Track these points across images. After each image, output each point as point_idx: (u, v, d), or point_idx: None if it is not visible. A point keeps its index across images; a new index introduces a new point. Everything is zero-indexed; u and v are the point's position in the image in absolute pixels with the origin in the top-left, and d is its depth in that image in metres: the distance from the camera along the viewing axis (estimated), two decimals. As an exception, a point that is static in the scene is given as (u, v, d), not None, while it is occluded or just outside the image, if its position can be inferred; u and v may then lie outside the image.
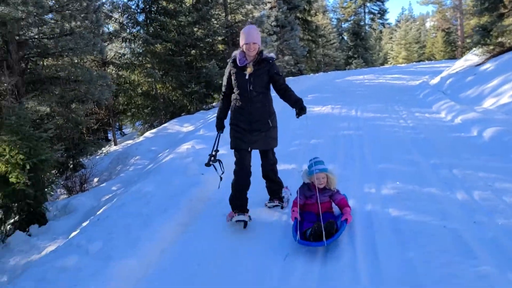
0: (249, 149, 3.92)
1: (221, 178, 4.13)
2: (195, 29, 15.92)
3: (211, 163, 3.91)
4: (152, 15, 15.03)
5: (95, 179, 10.92)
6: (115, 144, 15.52)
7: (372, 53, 38.28)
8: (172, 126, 12.86)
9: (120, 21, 14.74)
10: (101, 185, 9.01)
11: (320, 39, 29.98)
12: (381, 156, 5.59)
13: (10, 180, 7.01)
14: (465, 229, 3.32)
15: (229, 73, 3.90)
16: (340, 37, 39.32)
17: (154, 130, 13.17)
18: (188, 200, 4.33)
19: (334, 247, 3.34)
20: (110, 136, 18.35)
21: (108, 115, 15.39)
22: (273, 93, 3.96)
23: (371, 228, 3.54)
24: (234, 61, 3.85)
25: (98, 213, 5.22)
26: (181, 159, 5.91)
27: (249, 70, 3.73)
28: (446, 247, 3.08)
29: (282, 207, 4.20)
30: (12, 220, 7.77)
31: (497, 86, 8.81)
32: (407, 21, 48.29)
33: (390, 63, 42.20)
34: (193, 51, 16.05)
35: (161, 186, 4.76)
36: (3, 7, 7.54)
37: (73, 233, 4.62)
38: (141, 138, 12.97)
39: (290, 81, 16.08)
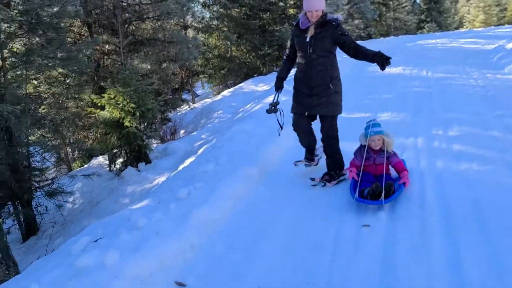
0: (306, 114, 3.85)
1: (281, 127, 4.25)
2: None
3: (271, 110, 3.98)
4: (230, -20, 15.94)
5: (182, 131, 12.41)
6: (193, 103, 17.00)
7: (446, 17, 36.67)
8: (248, 86, 13.99)
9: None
10: (192, 133, 10.40)
11: (391, 2, 29.40)
12: (449, 108, 6.28)
13: (124, 124, 8.49)
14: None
15: (293, 35, 3.87)
16: (413, 0, 37.92)
17: (231, 89, 14.39)
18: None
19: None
20: (184, 96, 19.88)
21: (187, 76, 16.84)
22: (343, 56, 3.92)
23: (437, 167, 4.35)
24: (297, 24, 3.79)
25: (207, 145, 6.47)
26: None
27: (310, 32, 3.64)
28: (505, 182, 3.86)
29: (324, 185, 3.98)
30: (121, 159, 9.39)
31: None
32: (488, -18, 45.13)
33: (466, 27, 40.18)
34: (266, 15, 16.86)
35: (257, 127, 5.84)
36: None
37: (201, 150, 5.89)
38: (219, 97, 14.25)
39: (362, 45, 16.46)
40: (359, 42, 18.75)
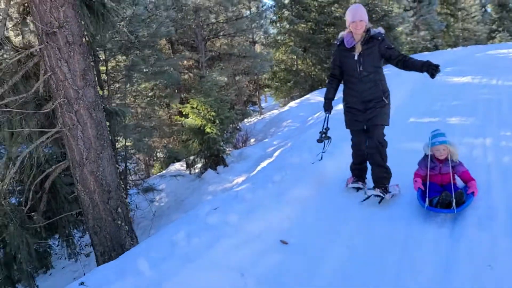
0: (364, 127, 3.90)
1: (321, 157, 4.40)
2: (334, 9, 17.34)
3: (322, 139, 3.99)
4: (296, -2, 16.83)
5: (252, 139, 13.30)
6: (260, 114, 17.94)
7: (520, 26, 35.12)
8: (314, 97, 14.65)
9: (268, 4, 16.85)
10: (264, 140, 11.24)
11: (459, 13, 28.87)
12: (518, 113, 6.56)
13: (206, 130, 9.48)
14: None
15: (337, 55, 3.87)
16: (483, 9, 36.76)
17: (297, 101, 15.13)
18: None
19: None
20: (250, 108, 20.91)
21: (255, 88, 17.84)
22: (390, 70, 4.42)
23: (504, 162, 4.75)
24: (342, 43, 3.80)
25: (284, 147, 7.22)
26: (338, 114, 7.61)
27: (357, 49, 3.68)
28: None
29: (381, 200, 3.92)
30: (201, 163, 10.40)
31: None
32: None
33: (543, 36, 38.11)
34: (331, 29, 17.51)
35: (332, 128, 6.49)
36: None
37: (276, 153, 6.63)
38: (286, 108, 15.03)
39: (426, 56, 16.60)
40: (426, 53, 18.86)
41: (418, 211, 3.69)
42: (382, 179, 3.90)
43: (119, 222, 4.81)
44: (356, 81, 3.78)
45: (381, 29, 3.76)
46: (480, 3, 36.30)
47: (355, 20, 3.62)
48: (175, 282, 2.59)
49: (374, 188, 3.88)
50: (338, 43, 3.86)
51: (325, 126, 4.03)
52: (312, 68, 17.46)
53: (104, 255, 4.75)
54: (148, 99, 10.71)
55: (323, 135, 4.00)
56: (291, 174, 4.35)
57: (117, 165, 8.51)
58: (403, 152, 5.15)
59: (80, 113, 4.52)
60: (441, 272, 2.84)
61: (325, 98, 4.06)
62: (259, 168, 6.99)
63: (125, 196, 8.40)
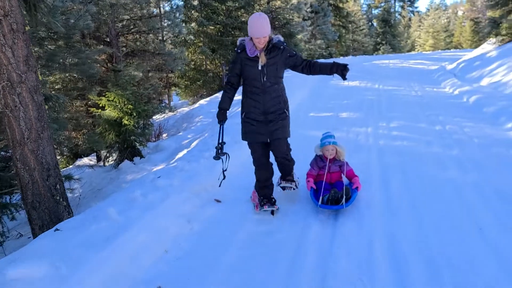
0: (268, 140, 3.75)
1: (224, 176, 3.98)
2: (240, 13, 18.55)
3: (219, 156, 3.72)
4: (205, 0, 17.71)
5: (164, 134, 13.84)
6: (170, 111, 18.44)
7: (400, 40, 40.14)
8: (223, 96, 15.63)
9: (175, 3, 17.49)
10: (178, 134, 11.89)
11: (350, 25, 32.19)
12: (393, 110, 8.22)
13: (123, 122, 9.90)
14: (437, 142, 5.92)
15: (239, 63, 3.64)
16: (370, 23, 41.26)
17: (207, 99, 15.98)
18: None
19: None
20: (161, 104, 21.19)
21: (164, 86, 18.27)
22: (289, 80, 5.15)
23: (380, 144, 6.15)
24: (244, 50, 3.61)
25: (200, 138, 8.02)
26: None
27: (262, 60, 3.53)
28: (426, 151, 5.71)
29: (295, 188, 4.10)
30: (116, 155, 10.77)
31: (493, 69, 11.21)
32: (437, 10, 49.61)
33: (417, 50, 43.93)
34: (238, 33, 18.69)
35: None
36: (115, -5, 10.36)
37: (194, 143, 7.40)
38: (197, 105, 15.80)
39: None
40: (321, 60, 20.98)
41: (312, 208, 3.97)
42: (289, 172, 4.06)
43: (58, 197, 5.23)
44: (260, 92, 3.61)
45: (280, 37, 3.66)
46: (367, 18, 40.69)
47: (258, 37, 3.46)
48: (140, 225, 3.30)
49: (282, 178, 4.08)
50: (239, 51, 3.62)
51: (220, 140, 3.75)
52: (220, 68, 18.44)
53: (43, 228, 5.14)
54: (64, 90, 10.72)
55: (220, 151, 3.70)
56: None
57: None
58: (306, 137, 6.34)
59: (23, 95, 4.89)
60: (321, 265, 3.03)
61: (219, 108, 3.77)
62: (179, 155, 7.72)
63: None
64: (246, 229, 3.67)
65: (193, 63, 18.08)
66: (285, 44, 3.65)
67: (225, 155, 3.82)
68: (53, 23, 6.40)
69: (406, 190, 4.26)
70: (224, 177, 3.96)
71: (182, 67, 12.69)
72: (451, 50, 36.90)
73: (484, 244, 3.11)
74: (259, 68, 3.56)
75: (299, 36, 20.82)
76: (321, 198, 3.79)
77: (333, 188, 3.85)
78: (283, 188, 4.08)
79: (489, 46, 15.81)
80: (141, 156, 10.44)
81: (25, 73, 4.90)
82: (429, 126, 6.79)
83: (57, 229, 3.34)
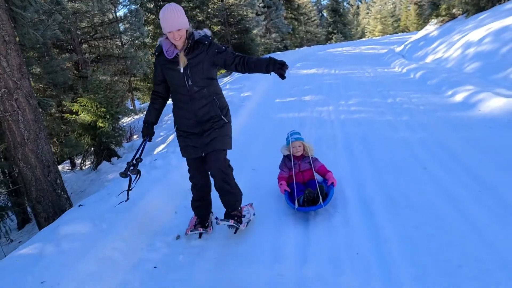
0: (203, 154, 3.21)
1: (127, 198, 3.36)
2: (196, 13, 19.14)
3: (128, 173, 3.12)
4: (160, 3, 18.19)
5: (135, 136, 14.31)
6: (135, 114, 18.81)
7: (350, 28, 41.87)
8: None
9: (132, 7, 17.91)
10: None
11: (302, 17, 33.38)
12: (349, 89, 9.20)
13: (97, 125, 10.38)
14: (389, 112, 6.86)
15: (159, 69, 3.15)
16: (320, 14, 42.76)
17: (169, 102, 16.52)
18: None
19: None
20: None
21: (128, 90, 18.63)
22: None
23: (341, 118, 7.03)
24: (161, 53, 3.08)
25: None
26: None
27: (182, 62, 3.00)
28: (380, 120, 6.63)
29: (237, 230, 3.45)
30: (92, 158, 11.20)
31: (435, 47, 12.45)
32: (383, -4, 51.89)
33: (367, 37, 45.91)
34: (195, 32, 19.28)
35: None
36: (77, 3, 10.78)
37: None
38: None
39: (279, 55, 19.52)
40: (278, 53, 22.01)
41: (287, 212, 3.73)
42: (233, 205, 3.36)
43: (59, 191, 5.79)
44: (187, 99, 3.10)
45: (206, 31, 3.11)
46: (317, 9, 42.13)
47: (171, 31, 2.91)
48: (151, 195, 3.98)
49: (226, 216, 3.35)
50: (156, 53, 3.12)
51: (137, 156, 3.19)
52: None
53: (48, 220, 5.68)
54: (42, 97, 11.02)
55: (132, 167, 3.10)
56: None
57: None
58: (276, 120, 7.17)
59: (20, 100, 5.41)
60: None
61: (144, 121, 3.25)
62: (161, 147, 8.34)
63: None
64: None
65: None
66: (210, 38, 3.05)
67: (137, 174, 3.16)
68: (32, 33, 6.89)
69: (366, 150, 5.14)
70: (127, 198, 3.33)
71: (146, 70, 13.19)
72: (399, 34, 38.95)
73: (429, 179, 3.99)
74: (181, 71, 3.00)
75: (254, 31, 21.61)
76: (296, 201, 3.56)
77: (307, 188, 3.63)
78: (230, 226, 3.43)
79: (431, 27, 17.22)
80: (118, 156, 10.93)
81: (20, 80, 5.43)
82: (382, 100, 7.76)
83: (80, 205, 3.96)
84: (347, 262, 2.86)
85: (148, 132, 3.29)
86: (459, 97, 6.86)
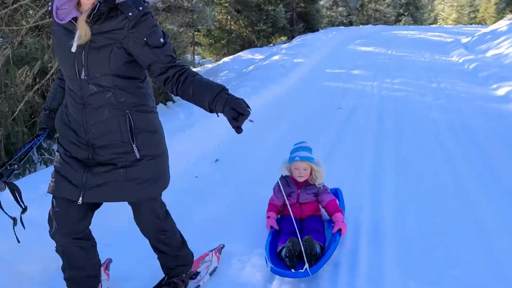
0: (80, 201, 1.83)
1: (14, 221, 1.77)
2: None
3: None
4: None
5: (190, 86, 15.32)
6: (194, 67, 19.84)
7: (423, 12, 40.44)
8: (245, 55, 16.96)
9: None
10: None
11: (373, -6, 32.71)
12: (399, 70, 9.58)
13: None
14: (430, 94, 7.28)
15: (53, 35, 1.86)
16: (394, -6, 41.48)
17: (230, 57, 17.31)
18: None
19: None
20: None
21: (190, 43, 19.61)
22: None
23: (382, 94, 7.51)
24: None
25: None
26: (275, 63, 10.03)
27: (81, 32, 1.65)
28: (418, 99, 7.07)
29: None
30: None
31: (500, 42, 12.35)
32: (464, -17, 49.31)
33: (439, 24, 44.21)
34: (263, -5, 19.76)
35: (271, 70, 8.88)
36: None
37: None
38: (220, 62, 17.16)
39: (341, 30, 19.70)
40: (341, 27, 22.12)
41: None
42: (173, 270, 2.27)
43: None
44: (78, 103, 1.79)
45: None
46: (392, -12, 40.86)
47: None
48: (199, 125, 4.82)
49: (165, 281, 2.29)
50: (49, 7, 1.77)
51: (15, 156, 1.87)
52: (244, 29, 19.66)
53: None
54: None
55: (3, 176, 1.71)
56: (251, 86, 6.70)
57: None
58: (320, 87, 7.82)
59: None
60: None
61: (45, 108, 2.14)
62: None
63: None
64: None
65: (218, 22, 19.28)
66: (145, 10, 1.68)
67: (6, 186, 1.72)
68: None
69: (396, 122, 5.71)
70: (15, 222, 1.78)
71: (211, 25, 13.94)
72: (473, 25, 37.25)
73: (444, 154, 4.53)
74: (73, 49, 1.68)
75: (321, 2, 21.76)
76: (270, 257, 2.49)
77: (291, 238, 2.48)
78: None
79: (504, 22, 16.74)
80: (173, 101, 11.95)
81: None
82: (427, 83, 8.15)
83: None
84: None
85: (48, 124, 2.08)
86: (502, 91, 7.15)
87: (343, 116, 5.96)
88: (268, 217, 2.93)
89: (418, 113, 6.07)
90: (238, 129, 1.59)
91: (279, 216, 3.03)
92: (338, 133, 5.29)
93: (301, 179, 2.96)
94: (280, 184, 2.79)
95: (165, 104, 11.83)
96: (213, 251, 2.63)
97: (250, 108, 1.60)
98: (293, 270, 2.39)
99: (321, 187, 2.97)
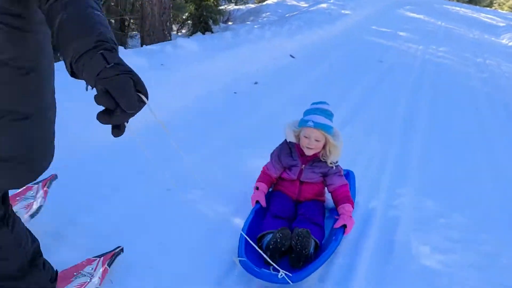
0: None
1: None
2: None
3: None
4: None
5: (230, 22, 15.21)
6: (236, 4, 19.56)
7: (480, -7, 38.56)
8: (290, 1, 16.64)
9: None
10: (246, 23, 13.28)
11: (432, -37, 31.20)
12: (446, 40, 9.41)
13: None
14: (473, 67, 7.19)
15: None
16: (454, -33, 39.41)
17: (274, 0, 16.99)
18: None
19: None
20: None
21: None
22: None
23: (425, 58, 7.42)
24: None
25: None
26: (322, 10, 9.89)
27: None
28: (460, 69, 7.00)
29: None
30: (188, 26, 12.26)
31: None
32: (532, -30, 46.43)
33: (494, 8, 42.20)
34: None
35: (317, 15, 8.79)
36: None
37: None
38: (264, 3, 16.88)
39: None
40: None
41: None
42: None
43: (166, 32, 6.89)
44: None
45: None
46: (453, -39, 38.78)
47: None
48: (242, 48, 4.93)
49: None
50: None
51: None
52: None
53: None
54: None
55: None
56: (296, 25, 6.71)
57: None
58: (363, 41, 7.78)
59: None
60: None
61: None
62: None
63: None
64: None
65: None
66: None
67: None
68: None
69: (434, 82, 5.73)
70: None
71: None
72: (530, 16, 35.56)
73: (477, 119, 4.58)
74: None
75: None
76: (244, 247, 1.88)
77: (282, 227, 1.94)
78: None
79: None
80: (212, 32, 11.96)
81: None
82: (472, 57, 8.02)
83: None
84: None
85: None
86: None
87: (383, 69, 5.99)
88: (257, 188, 2.31)
89: (458, 80, 6.07)
90: (115, 131, 0.87)
91: (270, 189, 2.41)
92: (375, 82, 5.36)
93: (309, 152, 2.25)
94: (280, 151, 2.35)
95: (203, 33, 11.86)
96: (99, 259, 1.71)
97: (147, 97, 0.85)
98: (271, 270, 1.75)
99: (334, 167, 2.28)
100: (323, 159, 2.28)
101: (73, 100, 2.38)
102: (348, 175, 2.59)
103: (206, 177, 2.48)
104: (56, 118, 1.25)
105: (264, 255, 1.75)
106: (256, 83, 4.54)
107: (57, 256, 1.67)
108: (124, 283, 1.74)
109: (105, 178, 2.42)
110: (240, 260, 1.82)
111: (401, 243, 2.25)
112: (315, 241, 1.99)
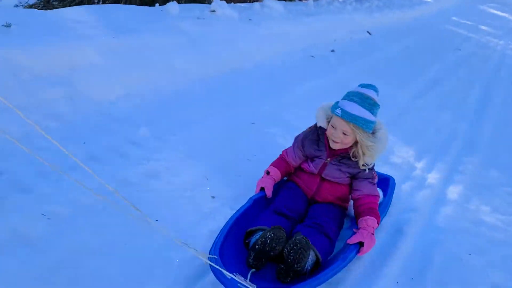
0: None
1: None
2: None
3: None
4: None
5: None
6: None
7: None
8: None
9: None
10: None
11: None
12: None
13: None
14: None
15: None
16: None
17: None
18: None
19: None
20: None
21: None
22: None
23: (476, 31, 7.21)
24: None
25: None
26: None
27: None
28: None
29: None
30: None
31: None
32: None
33: None
34: None
35: None
36: None
37: None
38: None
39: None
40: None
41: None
42: None
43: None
44: None
45: None
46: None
47: None
48: (322, 17, 5.09)
49: None
50: None
51: None
52: None
53: None
54: None
55: None
56: (376, 4, 6.75)
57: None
58: (446, 30, 7.68)
59: None
60: None
61: None
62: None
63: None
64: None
65: None
66: None
67: None
68: None
69: (510, 76, 5.57)
70: None
71: None
72: None
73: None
74: None
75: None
76: (218, 243, 1.57)
77: (276, 226, 1.59)
78: None
79: None
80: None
81: None
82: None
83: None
84: None
85: None
86: None
87: (461, 56, 5.96)
88: (267, 173, 1.97)
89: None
90: None
91: (285, 179, 2.04)
92: (452, 66, 5.39)
93: (335, 146, 1.83)
94: (305, 135, 1.94)
95: None
96: None
97: None
98: (243, 282, 1.36)
99: (366, 170, 1.85)
100: (355, 158, 1.84)
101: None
102: (388, 181, 2.19)
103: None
104: None
105: (224, 271, 1.35)
106: (333, 50, 4.71)
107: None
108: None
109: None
110: (209, 258, 1.43)
111: (459, 202, 2.38)
112: (316, 255, 1.58)
